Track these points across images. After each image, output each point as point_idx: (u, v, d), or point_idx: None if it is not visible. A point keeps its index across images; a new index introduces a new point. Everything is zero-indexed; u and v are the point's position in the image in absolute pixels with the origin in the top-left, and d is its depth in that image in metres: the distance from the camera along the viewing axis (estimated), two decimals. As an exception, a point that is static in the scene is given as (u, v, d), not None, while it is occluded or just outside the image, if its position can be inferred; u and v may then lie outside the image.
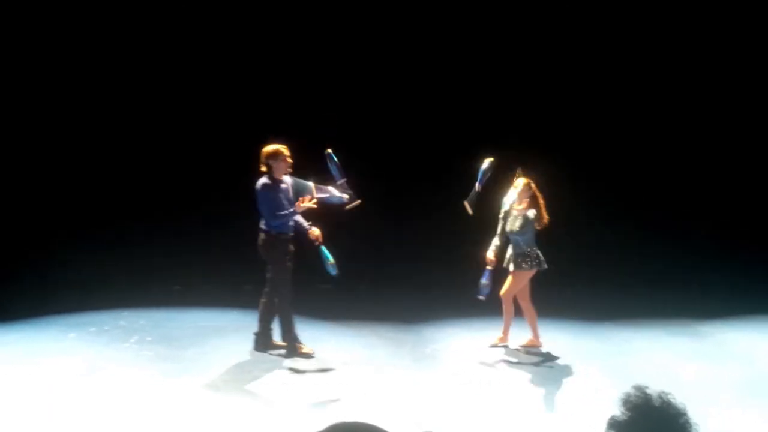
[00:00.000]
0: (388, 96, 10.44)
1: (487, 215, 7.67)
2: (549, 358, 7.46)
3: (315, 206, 6.95)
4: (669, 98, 10.91)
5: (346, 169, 7.18)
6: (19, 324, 7.89)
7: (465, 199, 7.30)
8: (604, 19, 10.57)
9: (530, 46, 10.57)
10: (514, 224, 7.42)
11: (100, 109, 10.31)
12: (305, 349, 7.19)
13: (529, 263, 7.41)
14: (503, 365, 7.29)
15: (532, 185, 7.47)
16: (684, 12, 10.53)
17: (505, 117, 10.44)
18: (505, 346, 7.67)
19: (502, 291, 7.55)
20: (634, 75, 10.81)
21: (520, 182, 7.46)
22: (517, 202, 7.45)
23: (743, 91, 10.88)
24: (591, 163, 10.71)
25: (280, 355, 7.20)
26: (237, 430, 5.67)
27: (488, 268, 7.42)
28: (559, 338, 7.91)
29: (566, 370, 7.13)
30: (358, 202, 7.10)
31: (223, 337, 7.68)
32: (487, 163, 7.38)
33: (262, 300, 7.26)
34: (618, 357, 7.48)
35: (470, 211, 7.29)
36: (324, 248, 7.05)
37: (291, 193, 7.10)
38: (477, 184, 7.32)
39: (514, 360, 7.41)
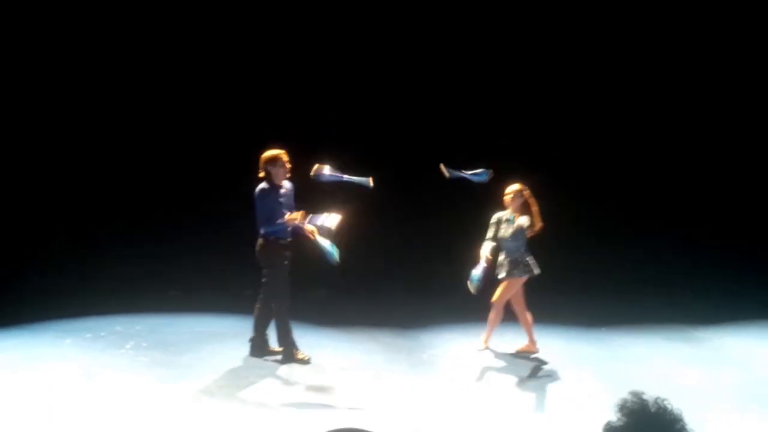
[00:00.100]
0: (388, 100, 10.46)
1: (486, 219, 7.68)
2: (544, 363, 7.45)
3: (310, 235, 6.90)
4: (662, 101, 10.94)
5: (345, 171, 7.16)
6: (15, 330, 7.87)
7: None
8: (596, 31, 10.61)
9: (528, 52, 10.60)
10: (506, 231, 7.42)
11: (99, 114, 10.32)
12: (301, 355, 7.17)
13: (520, 270, 7.41)
14: (499, 371, 7.29)
15: (525, 191, 7.47)
16: (675, 25, 10.58)
17: (501, 121, 10.47)
18: (485, 349, 7.68)
19: (494, 297, 7.56)
20: (628, 81, 10.84)
21: (512, 188, 7.46)
22: (509, 209, 7.45)
23: (738, 96, 10.92)
24: (587, 168, 10.73)
25: (276, 360, 7.18)
26: (233, 436, 5.66)
27: (483, 264, 7.38)
28: (555, 343, 7.91)
29: (562, 376, 7.12)
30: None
31: (220, 342, 7.66)
32: (485, 174, 7.36)
33: (257, 306, 7.25)
34: (614, 362, 7.48)
35: (446, 174, 7.22)
36: (319, 239, 6.94)
37: (291, 199, 7.10)
38: (467, 173, 7.29)
39: (511, 365, 7.40)
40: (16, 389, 6.26)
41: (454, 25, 10.50)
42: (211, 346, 7.54)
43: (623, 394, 2.48)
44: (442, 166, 7.24)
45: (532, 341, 7.67)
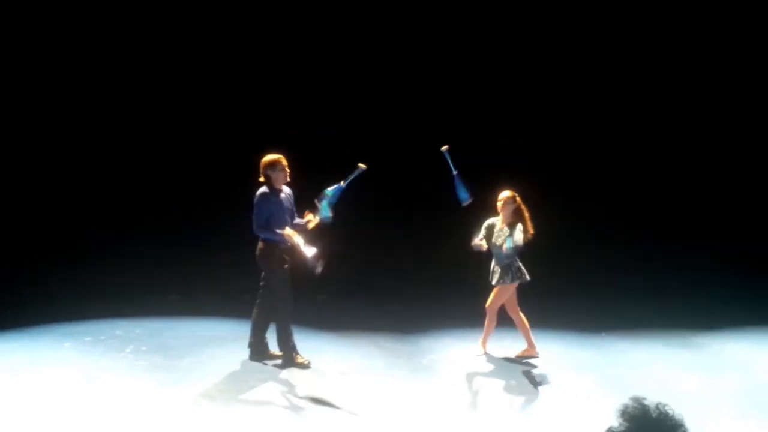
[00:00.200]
0: (388, 101, 10.48)
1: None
2: (545, 368, 7.45)
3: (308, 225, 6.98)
4: (663, 102, 10.95)
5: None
6: (15, 333, 7.86)
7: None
8: (596, 32, 10.63)
9: (528, 52, 10.62)
10: (498, 238, 7.43)
11: (100, 117, 10.34)
12: (301, 360, 7.17)
13: (510, 276, 7.43)
14: (499, 376, 7.28)
15: (517, 198, 7.48)
16: (669, 31, 10.61)
17: (502, 121, 10.49)
18: (484, 354, 7.70)
19: (487, 303, 7.59)
20: (626, 88, 10.86)
21: (504, 194, 7.46)
22: (502, 217, 7.46)
23: (739, 97, 10.93)
24: (587, 170, 10.74)
25: (276, 365, 7.18)
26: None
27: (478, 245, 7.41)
28: (554, 349, 7.91)
29: (561, 381, 7.11)
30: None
31: (220, 346, 7.66)
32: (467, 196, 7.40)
33: (255, 310, 7.26)
34: (614, 368, 7.47)
35: (444, 150, 7.29)
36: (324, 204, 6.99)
37: (290, 204, 7.12)
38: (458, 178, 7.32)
39: (510, 370, 7.39)
40: (16, 392, 6.25)
41: (453, 25, 10.53)
42: (212, 350, 7.54)
43: (624, 399, 2.48)
44: (445, 148, 7.26)
45: (531, 345, 7.68)
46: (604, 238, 10.43)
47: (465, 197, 7.41)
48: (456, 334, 8.35)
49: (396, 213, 10.33)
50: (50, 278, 9.16)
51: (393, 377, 7.04)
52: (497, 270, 7.49)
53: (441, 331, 8.51)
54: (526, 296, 7.73)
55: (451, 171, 7.34)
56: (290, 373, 7.00)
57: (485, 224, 7.57)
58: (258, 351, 7.27)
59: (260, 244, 7.05)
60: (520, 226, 7.39)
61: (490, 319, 7.66)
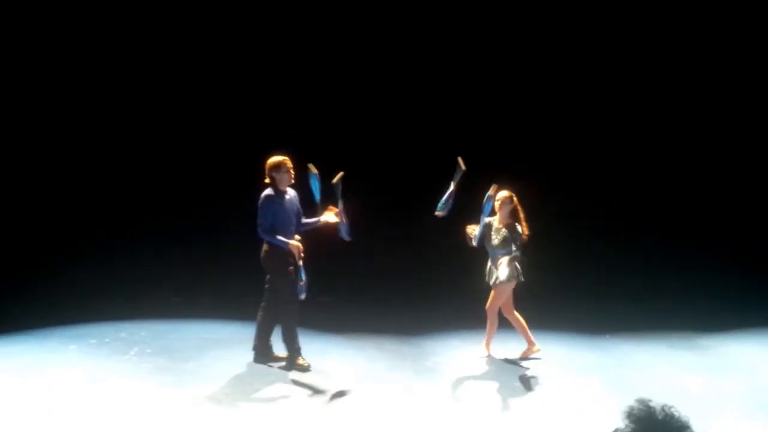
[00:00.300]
0: (388, 102, 10.49)
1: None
2: (549, 370, 7.44)
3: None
4: (662, 103, 10.94)
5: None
6: (20, 336, 7.87)
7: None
8: (589, 35, 10.63)
9: (528, 53, 10.63)
10: (496, 238, 7.43)
11: (103, 119, 10.36)
12: (301, 362, 7.17)
13: (508, 275, 7.41)
14: (503, 378, 7.27)
15: (514, 198, 7.48)
16: (669, 31, 10.60)
17: (502, 121, 10.49)
18: (488, 356, 7.70)
19: (487, 305, 7.60)
20: (626, 88, 10.85)
21: (501, 195, 7.46)
22: (499, 217, 7.46)
23: (735, 100, 10.91)
24: (588, 171, 10.73)
25: (280, 367, 7.18)
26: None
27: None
28: (558, 351, 7.90)
29: (566, 383, 7.11)
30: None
31: (225, 348, 7.66)
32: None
33: (260, 312, 7.26)
34: (618, 370, 7.46)
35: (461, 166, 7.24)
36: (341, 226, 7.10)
37: (295, 205, 7.13)
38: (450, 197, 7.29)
39: (515, 372, 7.39)
40: (21, 395, 6.27)
41: (453, 25, 10.54)
42: (216, 353, 7.54)
43: (629, 401, 2.48)
44: (459, 160, 7.26)
45: (530, 342, 7.69)
46: (606, 238, 10.42)
47: (441, 208, 7.31)
48: (460, 336, 8.34)
49: (398, 213, 10.32)
50: (55, 281, 9.17)
51: (397, 380, 7.04)
52: (494, 270, 7.49)
53: (445, 333, 8.50)
54: (530, 298, 7.73)
55: (451, 182, 7.31)
56: (294, 376, 7.00)
57: (482, 222, 7.58)
58: (262, 353, 7.28)
59: (265, 246, 7.06)
60: (518, 225, 7.38)
61: (491, 321, 7.66)
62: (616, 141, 10.89)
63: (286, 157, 7.06)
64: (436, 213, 7.29)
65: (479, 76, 10.63)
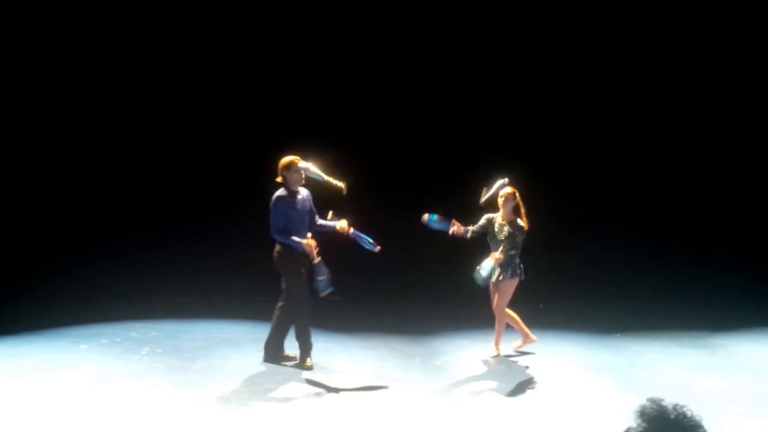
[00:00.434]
0: (387, 102, 10.49)
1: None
2: (560, 369, 7.43)
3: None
4: (665, 104, 10.91)
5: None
6: (32, 335, 7.94)
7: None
8: (589, 35, 10.60)
9: (527, 53, 10.61)
10: (500, 234, 7.46)
11: (113, 121, 10.39)
12: (308, 362, 7.18)
13: (511, 272, 7.44)
14: (513, 377, 7.27)
15: (517, 195, 7.52)
16: (669, 31, 10.56)
17: (501, 120, 10.47)
18: (498, 356, 7.72)
19: (494, 305, 7.61)
20: (626, 88, 10.81)
21: (505, 191, 7.51)
22: (502, 213, 7.50)
23: (735, 99, 10.87)
24: (599, 173, 10.70)
25: (291, 366, 7.20)
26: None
27: (454, 228, 7.48)
28: (569, 350, 7.90)
29: (577, 382, 7.09)
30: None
31: (235, 348, 7.69)
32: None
33: (276, 313, 7.26)
34: (629, 369, 7.45)
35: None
36: (357, 234, 7.12)
37: (307, 205, 7.13)
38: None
39: (525, 372, 7.39)
40: (33, 395, 6.30)
41: (452, 25, 10.53)
42: (226, 352, 7.57)
43: (640, 400, 2.48)
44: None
45: (525, 334, 7.77)
46: (617, 240, 10.39)
47: (432, 219, 7.51)
48: (468, 335, 8.36)
49: (405, 214, 10.33)
50: (66, 281, 9.22)
51: (406, 379, 7.04)
52: (497, 267, 7.50)
53: (453, 332, 8.51)
54: (538, 297, 7.72)
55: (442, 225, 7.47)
56: (303, 375, 7.02)
57: (485, 217, 7.61)
58: (273, 352, 7.29)
59: (277, 247, 7.06)
60: (521, 221, 7.40)
61: (499, 320, 7.67)
62: (616, 140, 10.85)
63: (296, 157, 7.06)
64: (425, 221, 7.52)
65: (479, 77, 10.62)
